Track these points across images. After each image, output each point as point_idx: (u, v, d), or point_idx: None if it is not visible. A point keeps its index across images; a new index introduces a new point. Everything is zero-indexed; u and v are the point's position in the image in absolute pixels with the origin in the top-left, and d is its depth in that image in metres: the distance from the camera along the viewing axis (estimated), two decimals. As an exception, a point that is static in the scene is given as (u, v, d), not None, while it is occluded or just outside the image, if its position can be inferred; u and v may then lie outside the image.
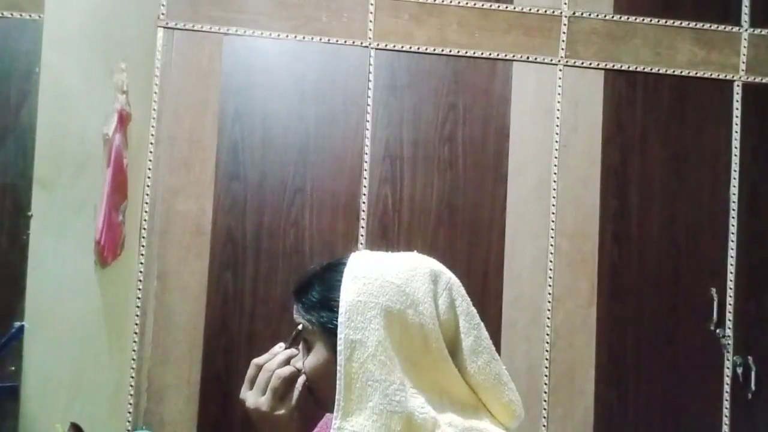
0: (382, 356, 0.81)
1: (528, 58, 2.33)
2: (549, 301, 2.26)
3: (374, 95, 2.28)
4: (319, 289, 0.90)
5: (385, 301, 0.83)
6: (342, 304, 0.83)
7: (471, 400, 0.87)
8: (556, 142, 2.32)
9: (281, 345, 0.96)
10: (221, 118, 2.23)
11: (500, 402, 0.87)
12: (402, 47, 2.30)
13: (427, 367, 0.84)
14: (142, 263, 2.16)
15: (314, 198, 2.24)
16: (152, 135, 2.20)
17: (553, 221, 2.30)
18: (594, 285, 2.30)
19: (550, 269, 2.29)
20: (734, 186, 2.36)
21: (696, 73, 2.38)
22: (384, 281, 0.84)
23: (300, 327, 0.93)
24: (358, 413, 0.80)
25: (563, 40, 2.35)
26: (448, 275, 0.89)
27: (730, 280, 2.33)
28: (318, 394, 0.91)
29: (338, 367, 0.82)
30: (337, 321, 0.83)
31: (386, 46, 2.29)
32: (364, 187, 2.25)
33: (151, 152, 2.20)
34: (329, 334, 0.86)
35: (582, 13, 2.36)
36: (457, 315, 0.87)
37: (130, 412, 2.12)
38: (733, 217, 2.35)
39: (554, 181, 2.31)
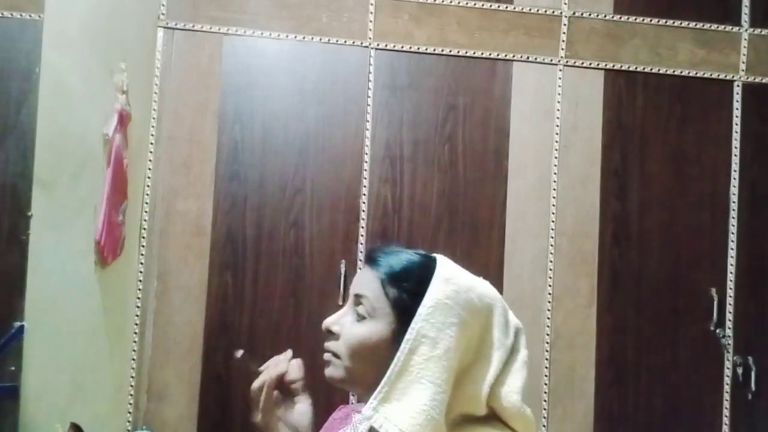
0: (446, 362, 0.81)
1: (528, 58, 2.33)
2: (549, 301, 2.26)
3: (374, 95, 2.28)
4: (407, 269, 0.87)
5: (466, 315, 0.83)
6: (429, 297, 0.83)
7: (482, 416, 0.86)
8: (556, 142, 2.32)
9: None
10: (221, 118, 2.23)
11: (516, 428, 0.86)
12: (402, 47, 2.30)
13: (464, 386, 0.84)
14: (142, 263, 2.16)
15: (314, 198, 2.24)
16: (152, 135, 2.20)
17: (553, 221, 2.30)
18: (594, 285, 2.30)
19: (550, 269, 2.29)
20: (734, 186, 2.36)
21: (696, 73, 2.38)
22: (469, 296, 0.85)
23: None
24: (396, 403, 0.80)
25: (563, 40, 2.35)
26: (516, 320, 0.90)
27: (730, 280, 2.33)
28: (349, 365, 0.88)
29: (399, 354, 0.81)
30: (412, 306, 0.83)
31: (386, 46, 2.29)
32: (364, 187, 2.25)
33: (151, 152, 2.20)
34: (399, 314, 0.85)
35: (582, 13, 2.36)
36: (518, 358, 0.87)
37: (130, 412, 2.12)
38: (733, 217, 2.35)
39: (554, 181, 2.31)
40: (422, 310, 0.82)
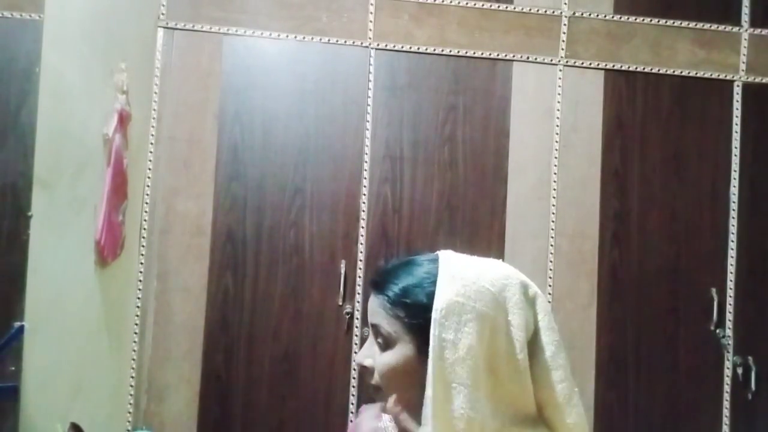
0: (471, 361, 0.80)
1: (528, 58, 2.33)
2: (549, 302, 2.26)
3: (374, 95, 2.28)
4: (409, 285, 0.86)
5: (481, 307, 0.82)
6: (439, 301, 0.81)
7: (533, 415, 0.85)
8: (556, 142, 2.32)
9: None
10: (221, 119, 2.23)
11: (565, 422, 0.84)
12: (402, 47, 2.30)
13: (504, 376, 0.82)
14: (142, 263, 2.16)
15: (314, 198, 2.24)
16: (152, 135, 2.20)
17: (553, 221, 2.30)
18: (594, 285, 2.30)
19: (550, 269, 2.29)
20: (734, 186, 2.36)
21: (696, 73, 2.38)
22: (480, 286, 0.83)
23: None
24: (442, 414, 0.79)
25: (563, 40, 2.35)
26: (534, 288, 0.88)
27: (730, 280, 2.33)
28: (388, 393, 0.87)
29: (430, 364, 0.80)
30: (425, 317, 0.82)
31: (386, 46, 2.29)
32: (364, 187, 2.25)
33: (151, 152, 2.20)
34: (416, 330, 0.84)
35: (582, 13, 2.36)
36: (539, 328, 0.86)
37: (130, 412, 2.12)
38: (733, 217, 2.35)
39: (554, 181, 2.31)
40: (435, 315, 0.81)
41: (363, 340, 2.20)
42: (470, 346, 0.80)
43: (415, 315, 0.84)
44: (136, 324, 2.15)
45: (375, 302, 0.88)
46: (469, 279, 0.83)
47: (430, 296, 0.83)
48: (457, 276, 0.83)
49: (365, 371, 0.88)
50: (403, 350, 0.84)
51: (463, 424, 0.78)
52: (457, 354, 0.79)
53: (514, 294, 0.84)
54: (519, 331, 0.83)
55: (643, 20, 2.37)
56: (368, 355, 0.88)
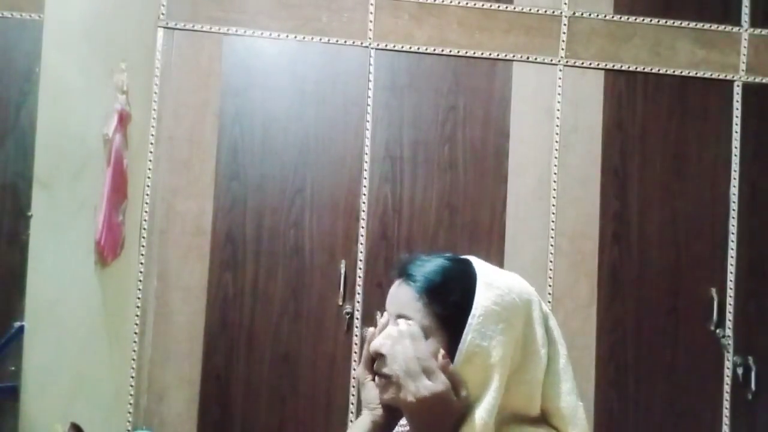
0: (501, 369, 0.81)
1: (528, 58, 2.33)
2: (549, 301, 2.26)
3: (374, 95, 2.28)
4: (447, 281, 0.85)
5: (512, 317, 0.83)
6: (477, 307, 0.82)
7: (535, 417, 0.86)
8: (556, 142, 2.32)
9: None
10: (221, 119, 2.23)
11: None
12: (402, 47, 2.30)
13: (512, 385, 0.84)
14: (142, 263, 2.16)
15: (314, 198, 2.24)
16: (152, 135, 2.20)
17: (553, 221, 2.30)
18: (594, 285, 2.30)
19: (550, 269, 2.29)
20: (734, 186, 2.36)
21: (696, 73, 2.38)
22: (511, 297, 0.84)
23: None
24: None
25: (563, 40, 2.35)
26: (545, 306, 0.90)
27: (730, 280, 2.33)
28: (402, 384, 0.83)
29: (458, 365, 0.81)
30: (459, 316, 0.82)
31: (386, 46, 2.29)
32: (364, 187, 2.25)
33: (151, 152, 2.20)
34: (449, 326, 0.83)
35: (582, 13, 2.36)
36: (554, 339, 0.88)
37: (130, 412, 2.12)
38: (733, 217, 2.35)
39: (554, 181, 2.31)
40: (473, 320, 0.82)
41: (363, 340, 2.20)
42: (501, 356, 0.81)
43: (451, 312, 0.84)
44: (136, 324, 2.15)
45: (406, 293, 0.86)
46: (504, 289, 0.85)
47: (467, 297, 0.83)
48: (493, 284, 0.85)
49: (380, 359, 0.85)
50: (434, 344, 0.83)
51: (478, 429, 0.79)
52: (489, 361, 0.81)
53: (535, 309, 0.87)
54: (540, 345, 0.85)
55: (643, 20, 2.37)
56: (385, 344, 0.84)
